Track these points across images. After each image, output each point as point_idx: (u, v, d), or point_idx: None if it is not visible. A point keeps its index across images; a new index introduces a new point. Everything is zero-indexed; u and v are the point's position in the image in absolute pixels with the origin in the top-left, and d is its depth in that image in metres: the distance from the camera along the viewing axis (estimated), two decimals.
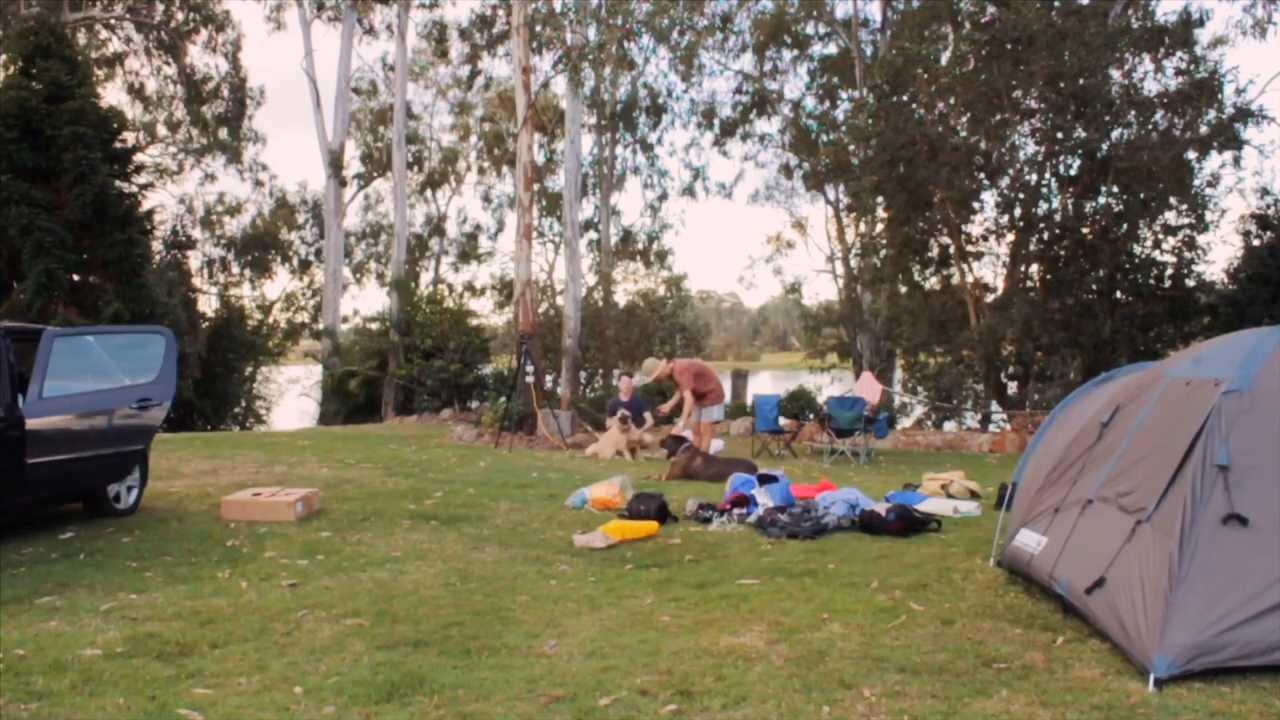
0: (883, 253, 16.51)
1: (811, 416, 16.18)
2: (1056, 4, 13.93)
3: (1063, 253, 15.00)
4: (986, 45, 14.16)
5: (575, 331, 18.57)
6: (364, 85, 26.75)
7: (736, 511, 7.06)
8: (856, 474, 10.06)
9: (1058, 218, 15.19)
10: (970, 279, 16.37)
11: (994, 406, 16.43)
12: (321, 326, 23.50)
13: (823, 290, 75.75)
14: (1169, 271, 14.97)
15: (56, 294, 13.73)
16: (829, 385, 21.48)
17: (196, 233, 27.16)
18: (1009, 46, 14.06)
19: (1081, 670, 3.59)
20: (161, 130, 26.21)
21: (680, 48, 20.57)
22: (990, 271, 17.25)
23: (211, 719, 3.14)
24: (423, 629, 4.14)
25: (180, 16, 22.85)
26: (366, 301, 63.79)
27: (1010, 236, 15.73)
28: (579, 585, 5.00)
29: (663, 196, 25.32)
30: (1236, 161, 15.12)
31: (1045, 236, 15.34)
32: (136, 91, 24.26)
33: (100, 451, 6.53)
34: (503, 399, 15.58)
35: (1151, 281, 14.93)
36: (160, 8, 22.73)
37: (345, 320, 24.65)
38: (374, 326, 23.05)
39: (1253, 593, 3.49)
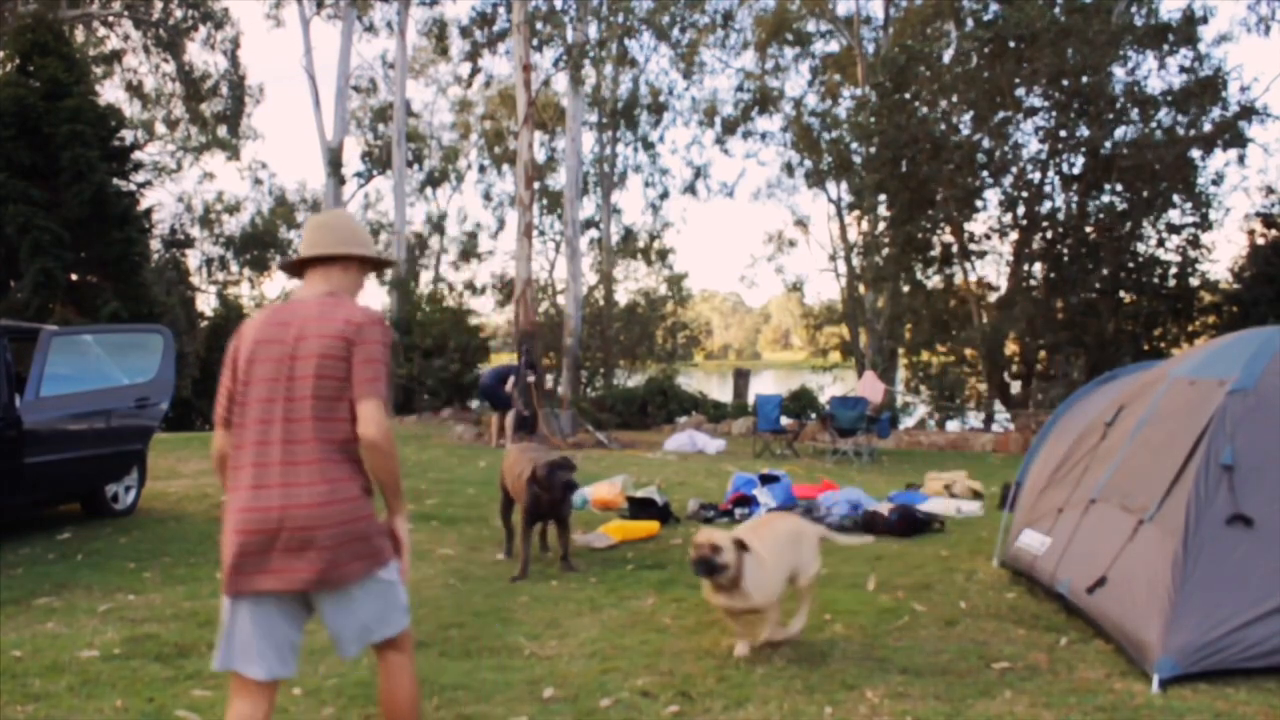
0: (885, 251, 16.46)
1: (814, 416, 16.16)
2: (1059, 1, 13.88)
3: (1066, 251, 14.96)
4: (989, 42, 14.11)
5: (576, 330, 18.54)
6: (364, 83, 26.69)
7: (738, 511, 7.04)
8: (859, 474, 10.04)
9: (1061, 216, 15.14)
10: (973, 278, 16.33)
11: (997, 406, 16.39)
12: None
13: (825, 289, 75.92)
14: (1173, 270, 14.93)
15: (54, 293, 13.69)
16: (831, 384, 21.42)
17: (195, 231, 27.11)
18: (1012, 44, 14.01)
19: (1085, 671, 3.57)
20: (160, 128, 26.18)
21: (681, 45, 20.54)
22: (993, 270, 17.20)
23: None
24: (423, 630, 4.11)
25: (179, 14, 22.78)
26: (366, 300, 63.91)
27: (1013, 235, 15.70)
28: (580, 586, 4.98)
29: (664, 195, 25.25)
30: (1241, 160, 15.05)
31: (1048, 235, 15.30)
32: (135, 89, 24.21)
33: (98, 451, 6.51)
34: None
35: (1155, 280, 14.89)
36: (159, 5, 22.65)
37: None
38: None
39: (1257, 594, 3.47)
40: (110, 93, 22.89)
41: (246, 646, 2.33)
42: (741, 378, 19.72)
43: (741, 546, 3.48)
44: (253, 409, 2.44)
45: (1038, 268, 15.74)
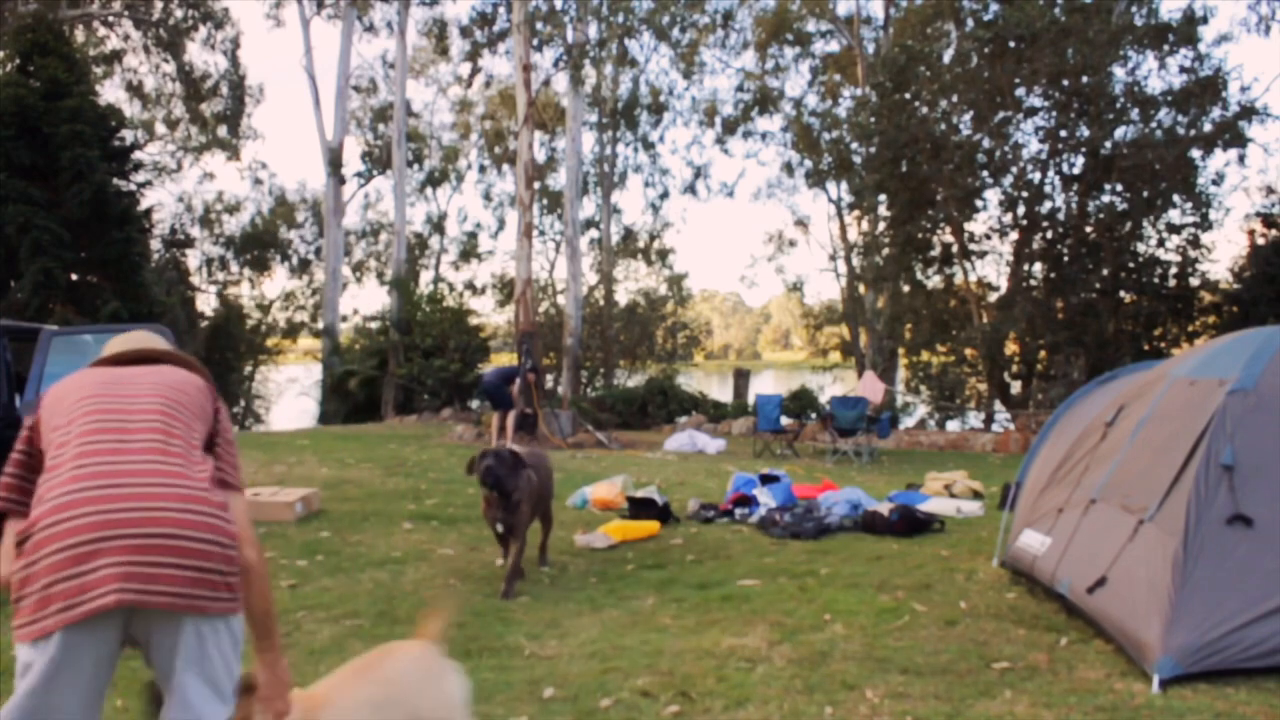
0: (885, 251, 16.47)
1: (814, 416, 16.17)
2: (1059, 1, 13.89)
3: (1066, 251, 14.96)
4: (990, 42, 14.12)
5: (576, 330, 18.53)
6: (364, 83, 26.70)
7: (739, 511, 7.03)
8: (859, 474, 10.04)
9: (1061, 216, 15.15)
10: (973, 278, 16.34)
11: (997, 406, 16.40)
12: (321, 325, 23.48)
13: (825, 289, 75.77)
14: (1173, 270, 14.94)
15: (54, 292, 13.70)
16: (831, 384, 21.44)
17: (195, 231, 27.13)
18: (1012, 44, 14.02)
19: (1085, 671, 3.56)
20: (160, 128, 26.18)
21: (681, 45, 20.55)
22: (993, 270, 17.23)
23: None
24: None
25: (179, 14, 22.79)
26: (366, 300, 63.53)
27: (1013, 235, 15.70)
28: (580, 586, 4.98)
29: (664, 195, 25.29)
30: (1241, 160, 15.04)
31: (1049, 235, 15.31)
32: (135, 89, 24.22)
33: None
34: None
35: (1155, 280, 14.90)
36: (159, 5, 22.67)
37: (345, 319, 24.60)
38: (374, 325, 23.03)
39: (1257, 594, 3.47)
40: (110, 93, 22.90)
41: (73, 700, 1.67)
42: (741, 378, 19.71)
43: (248, 687, 1.95)
44: (85, 420, 1.86)
45: (1038, 268, 15.74)
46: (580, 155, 20.03)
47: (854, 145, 16.63)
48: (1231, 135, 14.20)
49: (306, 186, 29.39)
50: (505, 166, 27.26)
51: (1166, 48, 14.29)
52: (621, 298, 22.66)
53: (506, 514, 4.94)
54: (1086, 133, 13.99)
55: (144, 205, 15.89)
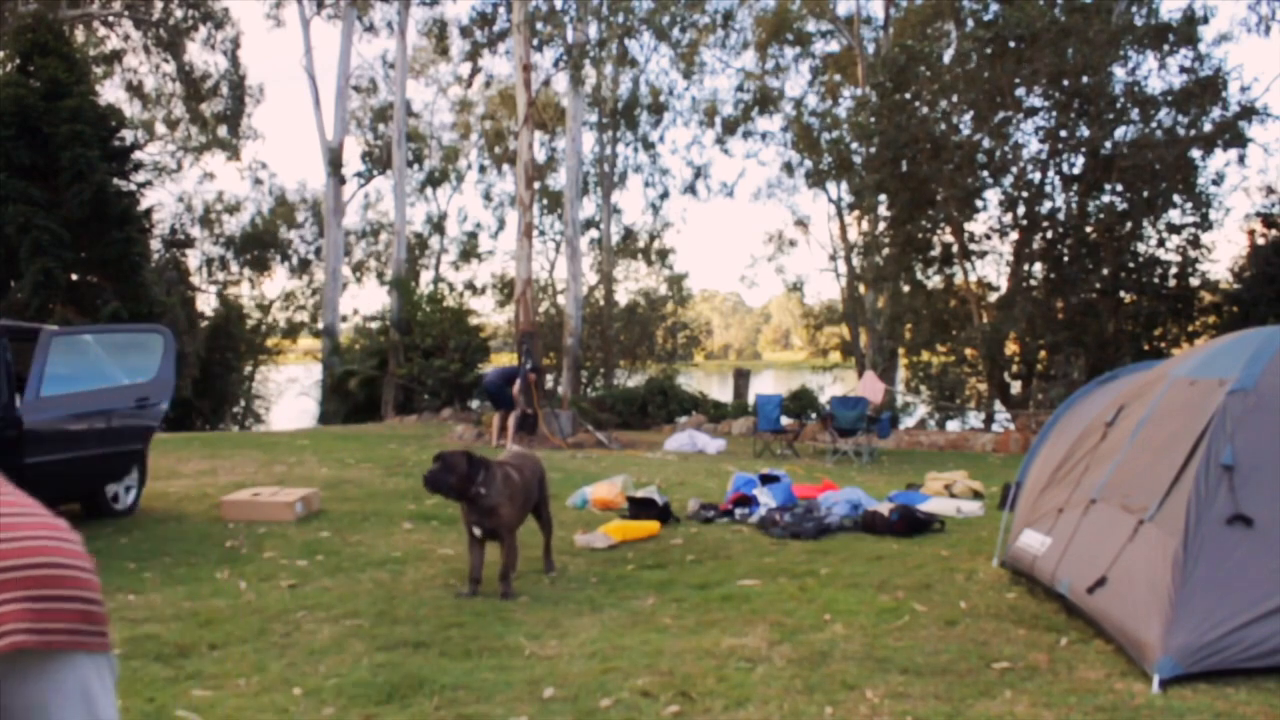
0: (885, 251, 16.47)
1: (814, 416, 16.17)
2: (1059, 1, 13.89)
3: (1066, 251, 14.96)
4: (990, 42, 14.12)
5: (576, 330, 18.53)
6: (364, 83, 26.68)
7: (739, 511, 7.04)
8: (859, 474, 10.04)
9: (1061, 216, 15.15)
10: (973, 278, 16.34)
11: (997, 406, 16.40)
12: (321, 325, 23.48)
13: (825, 289, 75.68)
14: (1173, 270, 14.94)
15: (54, 293, 13.70)
16: (831, 384, 21.44)
17: (195, 231, 27.09)
18: (1012, 44, 14.02)
19: (1085, 671, 3.56)
20: (160, 128, 26.17)
21: (681, 45, 20.56)
22: (993, 270, 17.21)
23: None
24: (423, 630, 4.11)
25: (179, 14, 22.78)
26: (366, 300, 63.41)
27: (1013, 235, 15.70)
28: (580, 586, 4.98)
29: (664, 195, 25.28)
30: (1241, 160, 15.02)
31: (1049, 235, 15.31)
32: (135, 89, 24.21)
33: (98, 451, 6.51)
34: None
35: (1156, 280, 14.89)
36: (159, 5, 22.67)
37: (345, 319, 24.58)
38: (374, 325, 23.02)
39: (1257, 594, 3.47)
40: (110, 93, 22.87)
41: None
42: (741, 378, 19.71)
43: None
44: None
45: (1038, 268, 15.74)
46: (580, 155, 20.03)
47: (854, 145, 16.63)
48: (1231, 135, 14.20)
49: (306, 186, 29.37)
50: (505, 166, 27.25)
51: (1166, 48, 14.29)
52: (621, 298, 22.66)
53: (481, 516, 4.66)
54: (1086, 133, 13.99)
55: (144, 205, 15.88)
